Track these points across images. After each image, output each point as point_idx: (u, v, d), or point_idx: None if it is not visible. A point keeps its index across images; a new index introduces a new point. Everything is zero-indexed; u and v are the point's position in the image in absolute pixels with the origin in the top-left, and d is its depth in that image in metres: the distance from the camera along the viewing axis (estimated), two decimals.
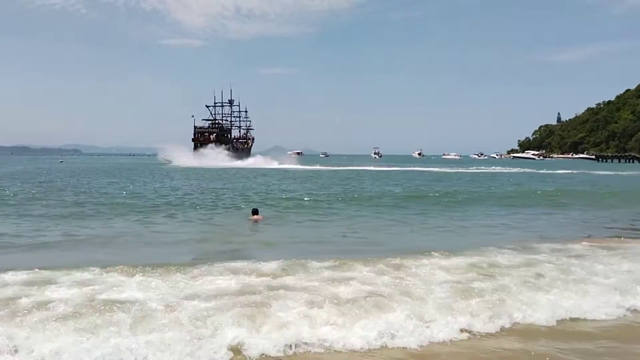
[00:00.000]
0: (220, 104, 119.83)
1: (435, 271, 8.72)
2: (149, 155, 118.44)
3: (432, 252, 10.08)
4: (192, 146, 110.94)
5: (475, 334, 6.42)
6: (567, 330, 6.71)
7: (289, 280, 8.05)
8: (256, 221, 16.64)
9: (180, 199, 21.87)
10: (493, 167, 72.04)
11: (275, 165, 74.23)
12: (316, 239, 13.42)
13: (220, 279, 8.01)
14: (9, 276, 7.83)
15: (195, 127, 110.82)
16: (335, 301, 6.84)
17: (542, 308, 7.21)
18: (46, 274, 8.00)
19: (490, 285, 7.91)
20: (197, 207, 18.87)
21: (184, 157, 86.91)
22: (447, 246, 11.04)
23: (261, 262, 9.13)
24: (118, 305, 6.37)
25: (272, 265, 8.90)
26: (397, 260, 9.37)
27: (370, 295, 7.12)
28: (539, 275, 8.54)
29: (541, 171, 61.50)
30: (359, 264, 9.09)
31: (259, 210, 17.39)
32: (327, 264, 9.14)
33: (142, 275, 8.07)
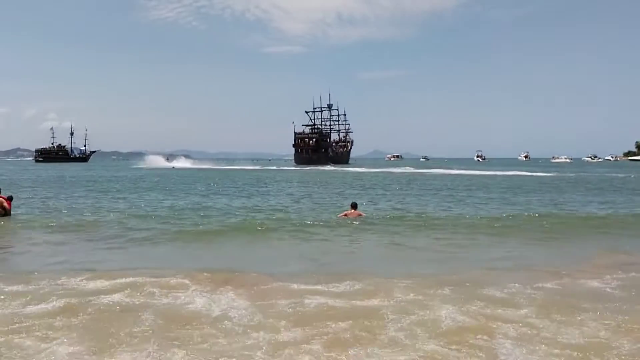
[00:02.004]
0: (319, 109, 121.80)
1: None
2: (270, 160, 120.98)
3: None
4: (293, 152, 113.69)
5: None
6: None
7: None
8: (354, 217, 16.02)
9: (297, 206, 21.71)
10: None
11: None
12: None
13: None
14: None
15: (295, 133, 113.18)
16: None
17: None
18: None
19: None
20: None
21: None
22: None
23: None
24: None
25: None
26: None
27: None
28: None
29: None
30: None
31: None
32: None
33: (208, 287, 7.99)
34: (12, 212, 16.52)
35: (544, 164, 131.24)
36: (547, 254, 11.79)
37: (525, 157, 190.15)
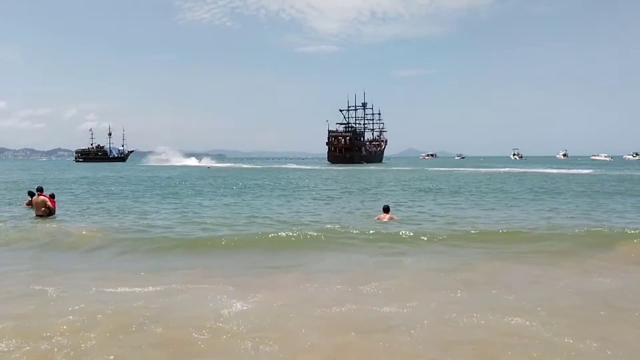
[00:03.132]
0: (353, 108, 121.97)
1: None
2: (303, 159, 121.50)
3: None
4: (327, 150, 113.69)
5: None
6: None
7: None
8: (386, 220, 15.93)
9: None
10: None
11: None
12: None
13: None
14: None
15: (329, 132, 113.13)
16: None
17: None
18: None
19: None
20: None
21: None
22: None
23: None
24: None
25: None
26: None
27: None
28: None
29: None
30: None
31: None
32: None
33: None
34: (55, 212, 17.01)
35: (584, 161, 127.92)
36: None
37: (564, 155, 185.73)
